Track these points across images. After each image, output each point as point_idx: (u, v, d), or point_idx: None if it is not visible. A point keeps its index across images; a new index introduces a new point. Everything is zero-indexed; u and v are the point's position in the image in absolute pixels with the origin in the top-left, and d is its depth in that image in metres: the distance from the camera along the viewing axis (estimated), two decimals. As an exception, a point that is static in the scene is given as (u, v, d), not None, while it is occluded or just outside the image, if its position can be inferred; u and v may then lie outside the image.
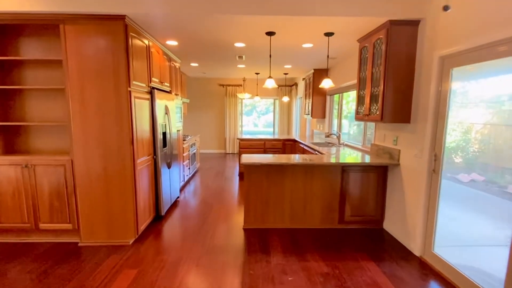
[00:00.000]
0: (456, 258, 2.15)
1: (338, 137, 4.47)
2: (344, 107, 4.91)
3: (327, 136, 5.47)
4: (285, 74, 6.15)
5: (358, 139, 4.39)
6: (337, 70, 4.96)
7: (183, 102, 5.55)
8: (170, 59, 4.02)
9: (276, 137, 5.86)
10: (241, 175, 5.72)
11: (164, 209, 3.46)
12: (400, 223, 2.87)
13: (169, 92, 3.99)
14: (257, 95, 6.59)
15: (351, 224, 3.20)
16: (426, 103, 2.46)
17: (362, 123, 4.13)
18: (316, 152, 3.98)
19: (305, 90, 6.17)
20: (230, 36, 3.25)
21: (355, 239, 2.91)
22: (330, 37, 3.20)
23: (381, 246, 2.75)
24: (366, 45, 3.05)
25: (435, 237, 2.34)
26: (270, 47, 3.58)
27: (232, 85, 8.40)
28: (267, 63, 4.92)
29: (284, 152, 5.65)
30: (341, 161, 3.05)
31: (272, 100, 9.03)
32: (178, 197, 4.24)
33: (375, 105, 2.88)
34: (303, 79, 6.67)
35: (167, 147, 3.58)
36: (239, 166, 5.67)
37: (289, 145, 5.64)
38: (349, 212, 3.17)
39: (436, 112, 2.32)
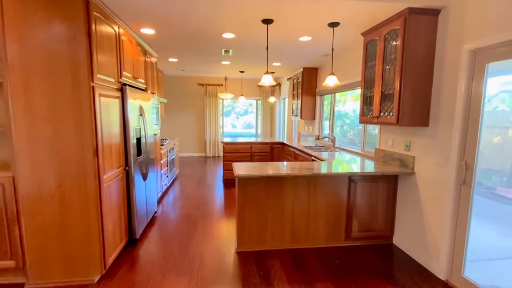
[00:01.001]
0: (491, 283, 1.88)
1: (333, 141, 4.16)
2: (335, 108, 4.63)
3: (318, 139, 5.17)
4: (272, 73, 5.77)
5: (354, 143, 4.12)
6: (329, 69, 4.66)
7: (160, 102, 4.92)
8: (145, 52, 3.42)
9: (262, 140, 5.45)
10: (226, 182, 5.22)
11: (139, 230, 2.87)
12: (416, 240, 2.59)
13: (145, 90, 3.40)
14: (241, 95, 6.12)
15: (358, 240, 2.86)
16: (451, 103, 2.18)
17: (358, 125, 3.85)
18: (313, 157, 3.62)
19: (293, 90, 5.83)
20: (219, 24, 2.76)
21: (366, 259, 2.57)
22: (335, 27, 2.84)
23: (397, 267, 2.43)
24: (375, 38, 2.73)
25: (466, 259, 2.06)
26: (267, 36, 3.14)
27: (213, 85, 7.84)
28: (256, 59, 4.48)
29: (272, 157, 5.25)
30: (347, 170, 2.71)
31: (252, 101, 8.61)
32: (155, 212, 3.64)
33: (387, 106, 2.57)
34: (289, 78, 6.33)
35: (142, 155, 2.99)
36: (224, 172, 5.16)
37: (277, 149, 5.26)
38: (356, 227, 2.83)
39: (465, 114, 2.04)
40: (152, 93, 3.75)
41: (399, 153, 2.82)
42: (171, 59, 4.41)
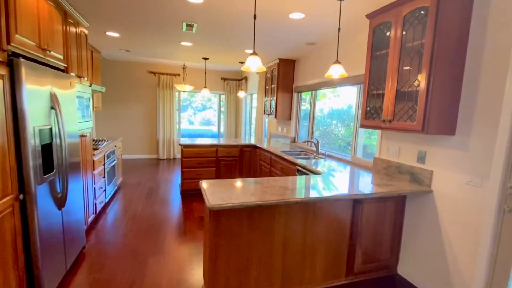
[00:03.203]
0: None
1: (317, 145, 3.56)
2: (315, 107, 4.05)
3: (294, 142, 4.55)
4: (242, 63, 4.95)
5: (335, 148, 3.58)
6: (312, 61, 4.05)
7: (95, 91, 3.70)
8: (66, 15, 2.29)
9: (227, 141, 4.61)
10: (184, 194, 4.25)
11: (50, 285, 1.82)
12: (430, 273, 2.10)
13: (64, 71, 2.28)
14: (205, 87, 5.16)
15: (361, 274, 2.28)
16: (493, 107, 1.69)
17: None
18: (298, 167, 2.94)
19: (265, 85, 5.11)
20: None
21: (379, 303, 1.99)
22: (343, 0, 2.17)
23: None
24: (387, 21, 2.14)
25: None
26: (255, 3, 2.31)
27: (167, 74, 6.66)
28: (227, 42, 3.60)
29: (242, 163, 4.46)
30: (354, 188, 2.08)
31: (212, 96, 7.66)
32: (83, 248, 2.55)
33: (405, 108, 2.00)
34: (258, 72, 5.59)
35: (55, 170, 1.91)
36: (182, 181, 4.19)
37: (248, 153, 4.48)
38: (360, 259, 2.24)
39: (525, 123, 1.56)
40: (79, 76, 2.61)
41: (408, 165, 2.32)
42: (110, 33, 3.24)
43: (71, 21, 2.39)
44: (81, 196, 2.44)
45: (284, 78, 4.49)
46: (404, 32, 2.02)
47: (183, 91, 6.18)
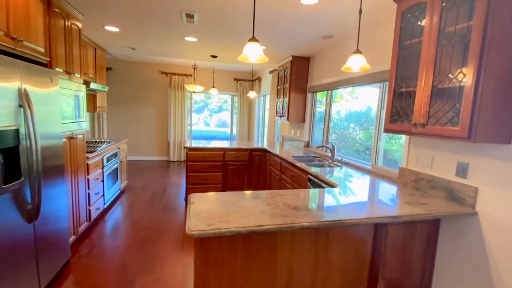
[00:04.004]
0: None
1: (332, 151, 3.13)
2: (331, 108, 3.62)
3: (308, 146, 4.14)
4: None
5: (353, 153, 3.13)
6: (328, 57, 3.64)
7: (97, 91, 3.53)
8: (51, 5, 2.08)
9: (238, 144, 4.29)
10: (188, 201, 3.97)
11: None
12: (481, 321, 1.62)
13: (46, 65, 2.06)
14: (213, 86, 4.89)
15: (385, 314, 1.84)
16: None
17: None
18: (310, 176, 2.55)
19: (277, 85, 4.74)
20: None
21: None
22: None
23: None
24: (420, 2, 1.71)
25: None
26: None
27: (179, 74, 6.49)
28: (234, 36, 3.29)
29: (251, 167, 4.11)
30: (374, 209, 1.66)
31: (228, 97, 7.40)
32: (68, 260, 2.32)
33: (444, 108, 1.56)
34: (272, 71, 5.24)
35: (23, 178, 1.67)
36: (187, 187, 3.92)
37: (258, 157, 4.13)
38: (383, 294, 1.80)
39: None
40: (69, 72, 2.40)
41: (444, 179, 1.85)
42: (108, 27, 3.04)
43: (58, 11, 2.18)
44: (65, 203, 2.21)
45: (298, 77, 4.10)
46: (443, 14, 1.58)
47: (193, 92, 5.96)
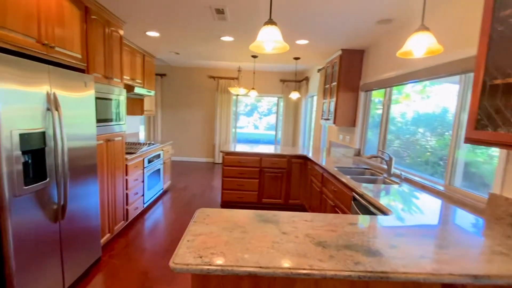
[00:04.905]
0: None
1: (388, 163, 2.56)
2: (389, 109, 3.00)
3: (359, 155, 3.58)
4: (296, 59, 4.27)
5: (420, 164, 2.48)
6: (387, 48, 3.05)
7: (143, 95, 3.69)
8: (89, 13, 2.17)
9: (278, 150, 3.98)
10: (224, 206, 3.85)
11: (29, 315, 1.61)
12: None
13: (81, 70, 2.14)
14: (253, 88, 4.70)
15: None
16: None
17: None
18: (355, 194, 2.09)
19: (324, 84, 4.27)
20: None
21: None
22: None
23: None
24: None
25: None
26: None
27: (225, 78, 6.54)
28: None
29: (290, 175, 3.76)
30: (441, 259, 1.15)
31: (275, 99, 7.14)
32: (99, 258, 2.38)
33: None
34: (320, 69, 4.78)
35: (49, 179, 1.72)
36: (222, 192, 3.80)
37: (297, 166, 3.75)
38: None
39: None
40: (107, 77, 2.49)
41: None
42: (150, 33, 3.12)
43: (96, 18, 2.27)
44: (97, 202, 2.27)
45: (348, 73, 3.58)
46: None
47: (237, 94, 5.90)
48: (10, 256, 1.48)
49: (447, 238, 1.28)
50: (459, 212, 1.66)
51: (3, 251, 1.47)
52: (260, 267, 0.97)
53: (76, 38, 2.02)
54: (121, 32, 2.72)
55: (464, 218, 1.55)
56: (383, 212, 1.66)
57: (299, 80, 6.61)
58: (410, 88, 2.78)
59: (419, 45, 1.24)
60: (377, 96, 3.36)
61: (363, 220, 1.43)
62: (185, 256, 1.01)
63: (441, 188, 2.06)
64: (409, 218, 1.50)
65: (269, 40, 1.13)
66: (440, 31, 2.05)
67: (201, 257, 1.00)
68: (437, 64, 2.10)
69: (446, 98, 2.30)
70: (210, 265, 0.96)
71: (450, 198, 1.91)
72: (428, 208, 1.71)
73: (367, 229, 1.32)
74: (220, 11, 2.31)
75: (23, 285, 1.56)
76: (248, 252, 1.05)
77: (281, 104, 6.92)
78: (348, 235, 1.24)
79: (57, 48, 1.82)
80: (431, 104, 2.53)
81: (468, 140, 1.45)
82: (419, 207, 1.71)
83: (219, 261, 0.99)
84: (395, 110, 2.99)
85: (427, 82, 2.45)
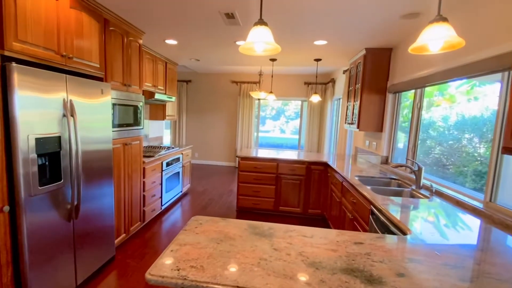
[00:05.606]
0: None
1: (417, 174, 2.30)
2: (420, 113, 2.71)
3: (386, 163, 3.30)
4: (317, 60, 4.11)
5: (465, 173, 2.17)
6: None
7: (163, 100, 3.83)
8: (108, 24, 2.30)
9: (297, 156, 3.84)
10: (240, 212, 3.80)
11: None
12: None
13: (99, 78, 2.26)
14: (271, 92, 4.62)
15: None
16: None
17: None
18: (374, 208, 1.90)
19: (348, 86, 4.05)
20: None
21: None
22: None
23: None
24: None
25: None
26: None
27: (247, 82, 6.55)
28: (289, 31, 2.94)
29: (309, 183, 3.59)
30: None
31: (299, 102, 6.98)
32: (113, 257, 2.47)
33: None
34: (345, 71, 4.54)
35: (63, 180, 1.82)
36: (238, 198, 3.76)
37: (317, 173, 3.57)
38: None
39: None
40: (126, 84, 2.61)
41: None
42: (169, 41, 3.23)
43: (114, 29, 2.40)
44: (111, 203, 2.37)
45: (373, 74, 3.33)
46: None
47: (258, 99, 5.86)
48: (24, 252, 1.58)
49: (475, 269, 1.07)
50: (502, 236, 1.40)
51: (18, 247, 1.58)
52: (237, 287, 0.89)
53: (94, 48, 2.15)
54: (140, 41, 2.85)
55: (504, 243, 1.30)
56: (402, 231, 1.47)
57: (324, 83, 6.38)
58: (452, 88, 2.46)
59: (436, 39, 1.07)
60: (411, 97, 3.07)
61: (372, 239, 1.27)
62: (163, 267, 0.97)
63: (480, 205, 1.77)
64: (430, 240, 1.30)
65: (260, 41, 1.06)
66: (470, 25, 1.80)
67: (178, 270, 0.96)
68: (477, 60, 1.83)
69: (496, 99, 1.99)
70: (184, 279, 0.91)
71: (490, 218, 1.63)
72: (459, 229, 1.47)
73: (374, 251, 1.16)
74: (230, 16, 2.29)
75: (37, 279, 1.66)
76: (229, 267, 0.98)
77: (305, 107, 6.73)
78: (349, 257, 1.11)
79: (75, 59, 1.94)
80: (479, 106, 2.20)
81: (505, 150, 1.22)
82: (447, 227, 1.48)
83: (198, 275, 0.93)
84: (436, 114, 2.67)
85: (475, 82, 2.15)
